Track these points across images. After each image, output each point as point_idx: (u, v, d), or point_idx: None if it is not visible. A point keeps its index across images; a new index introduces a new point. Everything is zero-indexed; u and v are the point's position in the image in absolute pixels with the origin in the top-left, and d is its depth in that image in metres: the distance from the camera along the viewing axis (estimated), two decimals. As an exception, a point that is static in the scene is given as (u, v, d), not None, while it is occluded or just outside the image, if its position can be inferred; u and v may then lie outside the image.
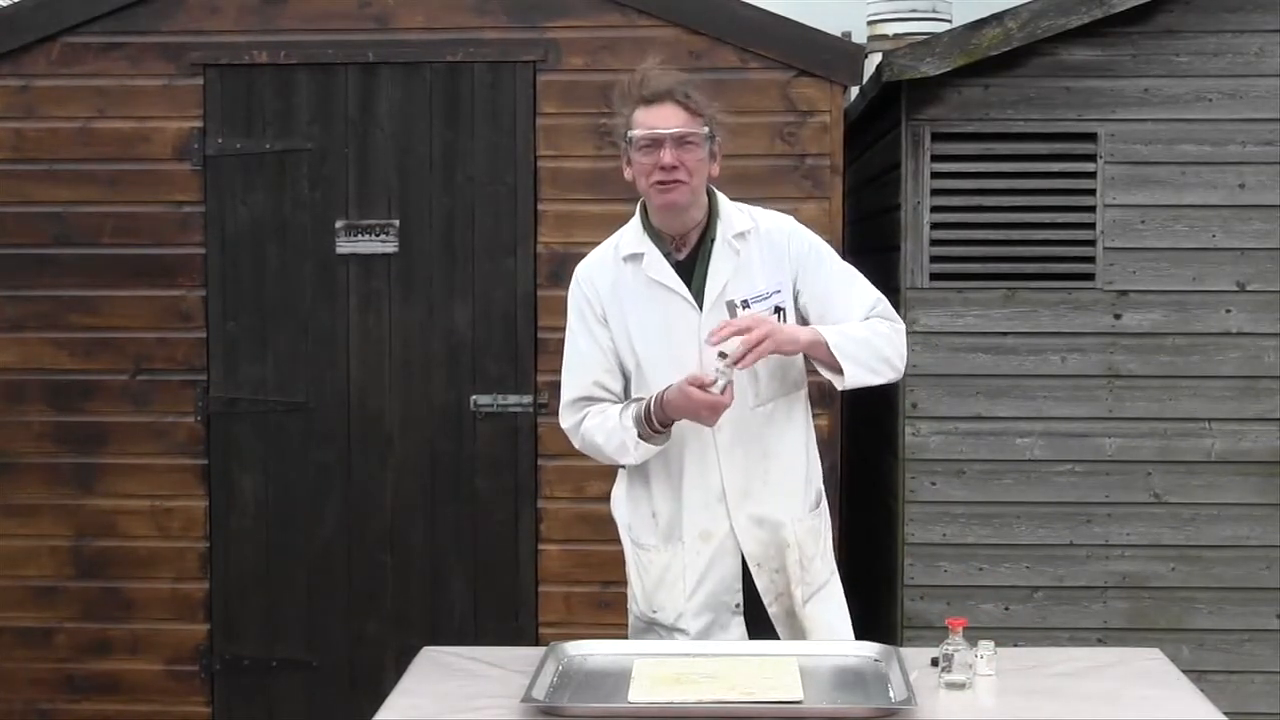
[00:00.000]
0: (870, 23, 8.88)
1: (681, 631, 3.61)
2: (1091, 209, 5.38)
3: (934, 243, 5.42)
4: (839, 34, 5.54)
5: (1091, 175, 5.37)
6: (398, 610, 5.48)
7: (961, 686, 3.23)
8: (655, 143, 3.48)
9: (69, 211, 5.46)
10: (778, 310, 3.55)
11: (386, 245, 5.41)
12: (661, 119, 3.49)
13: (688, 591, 3.60)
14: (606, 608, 5.31)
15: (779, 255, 3.59)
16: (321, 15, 5.37)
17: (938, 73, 5.28)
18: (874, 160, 6.28)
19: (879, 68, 5.38)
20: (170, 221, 5.45)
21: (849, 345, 3.51)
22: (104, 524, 5.50)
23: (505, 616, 5.44)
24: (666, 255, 3.57)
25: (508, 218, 5.39)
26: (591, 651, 3.45)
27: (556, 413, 3.72)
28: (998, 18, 5.27)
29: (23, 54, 5.43)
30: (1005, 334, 5.42)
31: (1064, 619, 5.43)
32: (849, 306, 3.59)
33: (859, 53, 5.42)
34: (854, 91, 6.05)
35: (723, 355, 3.37)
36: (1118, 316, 5.40)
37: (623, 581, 3.79)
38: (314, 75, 5.38)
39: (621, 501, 3.73)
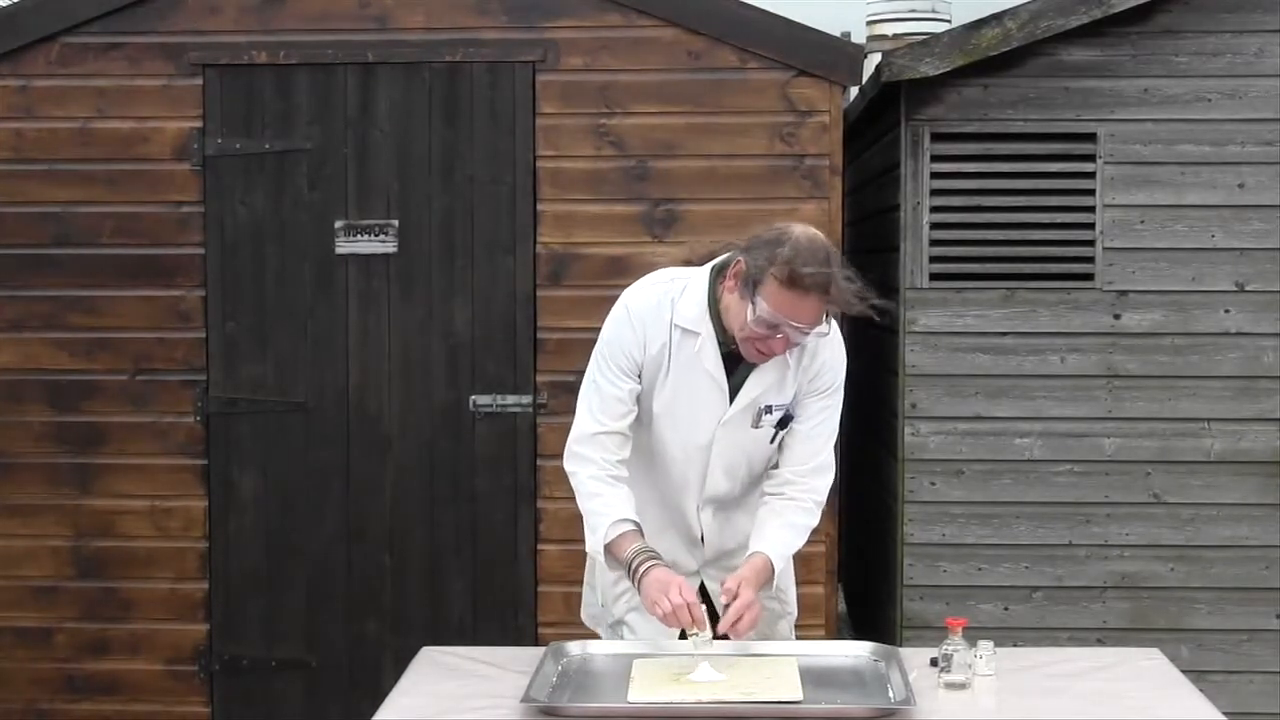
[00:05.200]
0: (870, 23, 8.90)
1: (628, 627, 3.64)
2: (1091, 209, 5.37)
3: (933, 243, 5.42)
4: (838, 34, 5.54)
5: (1091, 175, 5.37)
6: (397, 610, 5.48)
7: (961, 686, 3.23)
8: (778, 325, 3.32)
9: (68, 211, 5.46)
10: (782, 424, 3.56)
11: (386, 245, 5.41)
12: (804, 313, 3.29)
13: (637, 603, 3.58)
14: (606, 608, 5.30)
15: (804, 369, 3.53)
16: (321, 15, 5.37)
17: (937, 73, 5.27)
18: (873, 160, 6.28)
19: (878, 68, 5.38)
20: (170, 222, 5.44)
21: (785, 563, 3.56)
22: (103, 524, 5.50)
23: (504, 616, 5.44)
24: (721, 344, 3.47)
25: (507, 218, 5.39)
26: (591, 651, 3.45)
27: (556, 412, 3.71)
28: (997, 18, 5.27)
29: (22, 54, 5.43)
30: (1004, 334, 5.42)
31: (1063, 619, 5.43)
32: (800, 449, 3.57)
33: (858, 53, 5.42)
34: (853, 91, 6.05)
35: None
36: (1117, 316, 5.40)
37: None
38: (313, 75, 5.38)
39: None
